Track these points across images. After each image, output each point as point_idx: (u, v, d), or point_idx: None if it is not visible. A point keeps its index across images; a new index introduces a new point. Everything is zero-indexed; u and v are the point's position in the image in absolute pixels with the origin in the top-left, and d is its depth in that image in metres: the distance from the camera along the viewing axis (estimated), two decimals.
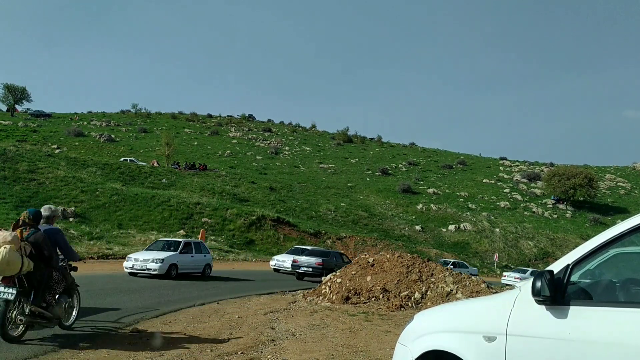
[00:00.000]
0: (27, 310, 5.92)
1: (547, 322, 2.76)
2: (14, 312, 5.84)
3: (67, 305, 6.69)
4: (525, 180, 66.11)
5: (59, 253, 6.55)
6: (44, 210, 6.54)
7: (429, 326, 3.51)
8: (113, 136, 64.24)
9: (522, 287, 3.02)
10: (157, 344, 6.72)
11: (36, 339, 6.29)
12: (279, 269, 22.99)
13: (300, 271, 20.40)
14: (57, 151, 46.52)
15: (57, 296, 6.40)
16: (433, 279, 12.55)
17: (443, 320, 3.48)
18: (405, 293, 12.14)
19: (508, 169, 75.80)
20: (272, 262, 23.85)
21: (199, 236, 27.63)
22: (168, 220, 30.74)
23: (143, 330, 7.57)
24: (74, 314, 7.03)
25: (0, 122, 63.24)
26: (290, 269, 21.54)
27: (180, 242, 17.30)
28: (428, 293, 12.14)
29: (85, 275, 12.39)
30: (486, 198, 56.27)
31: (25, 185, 30.22)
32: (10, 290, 5.71)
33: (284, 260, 22.74)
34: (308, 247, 23.82)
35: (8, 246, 5.52)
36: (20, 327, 6.00)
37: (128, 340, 6.84)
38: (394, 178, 62.48)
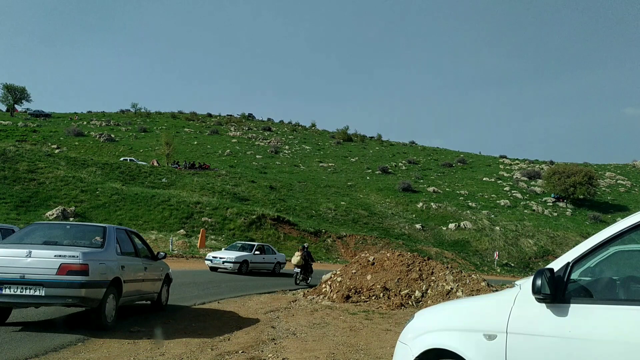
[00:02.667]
0: (301, 276, 17.56)
1: (548, 320, 2.76)
2: (298, 277, 17.51)
3: (310, 277, 17.98)
4: (525, 179, 66.08)
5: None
6: (304, 245, 18.60)
7: (429, 324, 3.51)
8: (113, 136, 64.18)
9: (522, 285, 3.03)
10: (158, 343, 6.73)
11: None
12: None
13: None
14: (57, 151, 46.50)
15: (308, 273, 17.79)
16: (433, 278, 12.56)
17: (443, 319, 3.48)
18: (406, 291, 12.15)
19: (508, 167, 75.78)
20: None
21: (199, 235, 27.66)
22: (168, 220, 30.75)
23: (144, 330, 7.58)
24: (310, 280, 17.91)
25: (0, 122, 63.22)
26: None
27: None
28: (428, 291, 12.15)
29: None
30: (486, 196, 56.27)
31: (25, 185, 30.22)
32: (299, 270, 17.45)
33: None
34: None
35: (299, 257, 17.19)
36: (298, 282, 17.43)
37: (129, 340, 6.84)
38: (394, 177, 62.47)
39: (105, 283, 6.91)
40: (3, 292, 6.37)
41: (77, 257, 6.50)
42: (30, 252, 6.49)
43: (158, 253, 9.41)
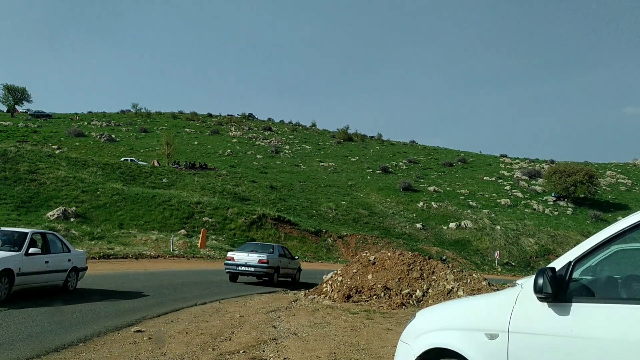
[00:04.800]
0: None
1: (549, 319, 2.76)
2: None
3: None
4: (526, 178, 66.04)
5: None
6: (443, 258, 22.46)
7: (430, 324, 3.51)
8: (113, 136, 64.19)
9: (524, 285, 3.02)
10: (159, 344, 6.73)
11: None
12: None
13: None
14: (57, 151, 46.51)
15: None
16: (434, 277, 12.55)
17: (445, 318, 3.48)
18: (407, 291, 12.15)
19: (508, 166, 75.75)
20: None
21: (200, 235, 27.63)
22: (169, 220, 30.75)
23: (145, 330, 7.58)
24: None
25: (1, 123, 63.26)
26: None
27: None
28: (429, 291, 12.14)
29: (85, 275, 12.41)
30: (487, 195, 56.23)
31: (26, 185, 30.23)
32: None
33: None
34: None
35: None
36: None
37: (130, 340, 6.84)
38: (394, 176, 62.45)
39: (274, 267, 16.40)
40: (239, 268, 16.09)
41: (264, 257, 16.07)
42: (248, 254, 16.19)
43: (293, 256, 18.91)
